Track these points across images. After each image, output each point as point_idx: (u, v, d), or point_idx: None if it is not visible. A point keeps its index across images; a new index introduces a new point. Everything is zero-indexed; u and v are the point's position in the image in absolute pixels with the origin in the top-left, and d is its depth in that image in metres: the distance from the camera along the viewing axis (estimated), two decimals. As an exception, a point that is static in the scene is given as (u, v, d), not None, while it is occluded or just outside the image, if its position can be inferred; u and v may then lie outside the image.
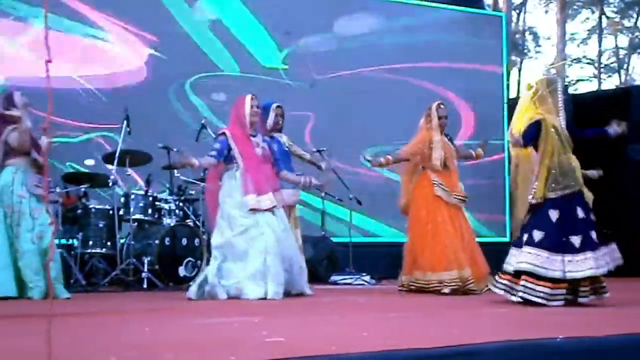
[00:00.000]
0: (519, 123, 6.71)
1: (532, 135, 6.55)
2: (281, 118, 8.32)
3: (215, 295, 7.02)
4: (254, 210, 7.22)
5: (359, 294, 8.27)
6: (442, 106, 8.46)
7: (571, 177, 6.44)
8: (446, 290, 7.77)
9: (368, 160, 8.45)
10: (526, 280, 6.25)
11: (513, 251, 6.46)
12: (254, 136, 7.54)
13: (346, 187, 10.65)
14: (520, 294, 6.26)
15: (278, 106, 8.33)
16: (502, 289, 6.46)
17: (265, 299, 6.94)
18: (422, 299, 7.49)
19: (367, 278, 10.18)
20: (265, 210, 7.26)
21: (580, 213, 6.37)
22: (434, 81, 13.20)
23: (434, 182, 8.19)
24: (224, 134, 7.45)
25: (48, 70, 2.32)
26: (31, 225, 7.24)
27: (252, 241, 7.17)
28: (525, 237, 6.37)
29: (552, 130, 6.51)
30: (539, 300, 6.17)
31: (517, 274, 6.33)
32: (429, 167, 8.26)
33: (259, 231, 7.18)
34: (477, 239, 8.46)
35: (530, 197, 6.48)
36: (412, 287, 8.08)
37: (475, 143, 9.74)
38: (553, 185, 6.41)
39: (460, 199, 8.29)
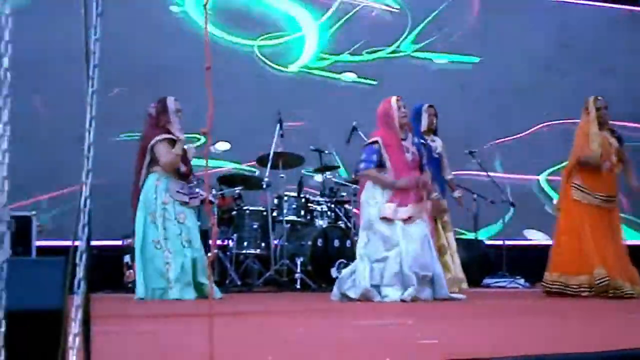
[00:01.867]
0: None
1: None
2: (435, 118, 8.22)
3: (371, 298, 6.97)
4: (388, 220, 7.09)
5: (512, 297, 8.14)
6: (599, 98, 8.12)
7: None
8: (585, 294, 7.56)
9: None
10: None
11: None
12: (404, 139, 7.33)
13: (500, 189, 10.50)
14: None
15: (430, 106, 8.21)
16: None
17: (404, 301, 6.87)
18: (573, 302, 7.30)
19: (522, 281, 10.01)
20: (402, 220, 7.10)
21: None
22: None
23: (573, 186, 7.89)
24: (376, 142, 7.27)
25: (208, 77, 2.37)
26: (179, 230, 7.40)
27: (390, 246, 7.04)
28: None
29: None
30: None
31: None
32: (583, 164, 7.92)
33: (396, 239, 7.02)
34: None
35: None
36: (554, 289, 7.86)
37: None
38: None
39: (604, 200, 7.94)
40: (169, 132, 7.44)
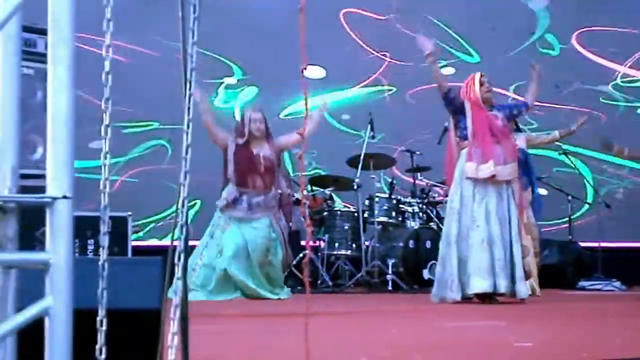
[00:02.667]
0: None
1: None
2: None
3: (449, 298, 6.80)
4: (471, 180, 6.88)
5: (607, 300, 7.99)
6: None
7: None
8: None
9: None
10: None
11: None
12: (490, 111, 7.14)
13: (594, 190, 10.31)
14: None
15: None
16: None
17: (494, 293, 6.74)
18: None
19: (618, 284, 9.79)
20: (486, 180, 6.86)
21: None
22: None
23: None
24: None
25: (304, 78, 2.38)
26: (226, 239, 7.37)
27: (471, 232, 6.83)
28: None
29: None
30: None
31: None
32: None
33: (475, 222, 6.83)
34: None
35: None
36: None
37: None
38: None
39: None
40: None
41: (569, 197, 10.34)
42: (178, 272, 2.02)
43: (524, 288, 6.83)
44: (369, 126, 9.38)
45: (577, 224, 11.02)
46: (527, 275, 7.21)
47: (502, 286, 6.67)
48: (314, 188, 9.53)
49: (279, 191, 7.41)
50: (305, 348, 2.29)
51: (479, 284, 6.68)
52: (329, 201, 9.39)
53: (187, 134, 2.02)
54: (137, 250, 8.62)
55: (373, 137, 9.41)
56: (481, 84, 7.08)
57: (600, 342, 4.07)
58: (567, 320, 5.67)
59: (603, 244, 10.50)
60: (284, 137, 7.33)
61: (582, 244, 10.63)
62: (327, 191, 9.41)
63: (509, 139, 7.17)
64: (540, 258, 8.57)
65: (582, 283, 9.90)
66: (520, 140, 8.01)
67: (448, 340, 4.18)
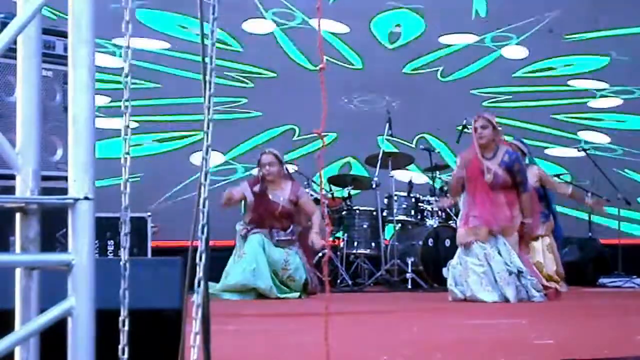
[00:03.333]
0: None
1: None
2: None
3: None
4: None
5: (628, 297, 7.95)
6: None
7: None
8: None
9: None
10: None
11: None
12: (488, 159, 6.92)
13: (614, 187, 10.24)
14: None
15: None
16: None
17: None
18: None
19: (638, 280, 9.75)
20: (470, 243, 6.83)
21: None
22: None
23: None
24: (460, 156, 7.24)
25: (322, 78, 2.37)
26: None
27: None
28: None
29: None
30: None
31: None
32: None
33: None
34: None
35: None
36: None
37: None
38: None
39: None
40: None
41: (589, 194, 10.29)
42: (199, 272, 2.03)
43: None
44: (387, 125, 9.37)
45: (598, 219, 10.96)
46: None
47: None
48: (333, 187, 9.53)
49: (299, 228, 7.61)
50: (325, 347, 2.30)
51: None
52: (347, 200, 9.39)
53: (207, 134, 2.03)
54: (156, 250, 8.66)
55: (391, 135, 9.40)
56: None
57: (621, 340, 4.06)
58: (588, 318, 5.65)
59: (623, 241, 10.46)
60: (309, 205, 7.75)
61: (602, 241, 10.58)
62: (346, 190, 9.40)
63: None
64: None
65: (602, 280, 9.86)
66: (531, 175, 7.77)
67: (468, 337, 4.17)
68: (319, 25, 2.49)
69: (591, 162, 10.00)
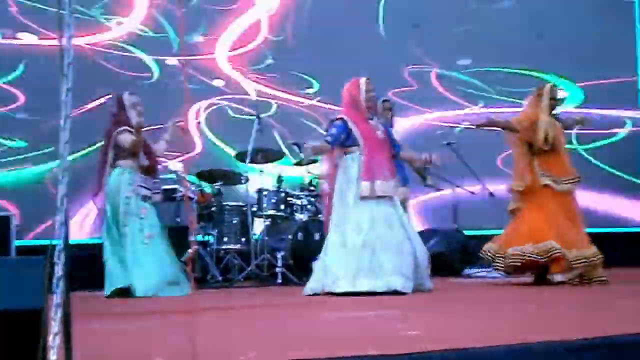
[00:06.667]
0: None
1: None
2: (390, 112, 8.28)
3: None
4: (366, 199, 6.92)
5: (493, 287, 8.16)
6: (555, 87, 8.12)
7: None
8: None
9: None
10: None
11: None
12: (371, 119, 7.20)
13: (479, 179, 10.50)
14: None
15: (385, 100, 8.30)
16: None
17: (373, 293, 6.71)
18: (562, 290, 7.32)
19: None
20: (380, 197, 6.94)
21: None
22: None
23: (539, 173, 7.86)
24: (341, 118, 7.13)
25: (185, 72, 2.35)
26: (139, 226, 7.42)
27: (365, 236, 6.90)
28: None
29: None
30: None
31: None
32: (535, 151, 7.87)
33: (374, 228, 6.90)
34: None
35: None
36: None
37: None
38: None
39: (571, 183, 7.91)
40: (130, 127, 7.46)
41: (455, 187, 10.54)
42: (59, 271, 1.98)
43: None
44: (257, 120, 9.34)
45: (463, 213, 11.21)
46: None
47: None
48: (202, 183, 9.45)
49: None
50: (192, 345, 2.28)
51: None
52: (217, 196, 9.31)
53: (63, 129, 1.98)
54: (21, 251, 8.41)
55: (261, 131, 9.37)
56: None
57: (487, 329, 4.16)
58: (455, 309, 5.77)
59: (486, 232, 10.71)
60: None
61: (467, 232, 10.83)
62: (216, 185, 9.32)
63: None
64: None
65: (468, 271, 10.12)
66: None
67: (336, 331, 4.20)
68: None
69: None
